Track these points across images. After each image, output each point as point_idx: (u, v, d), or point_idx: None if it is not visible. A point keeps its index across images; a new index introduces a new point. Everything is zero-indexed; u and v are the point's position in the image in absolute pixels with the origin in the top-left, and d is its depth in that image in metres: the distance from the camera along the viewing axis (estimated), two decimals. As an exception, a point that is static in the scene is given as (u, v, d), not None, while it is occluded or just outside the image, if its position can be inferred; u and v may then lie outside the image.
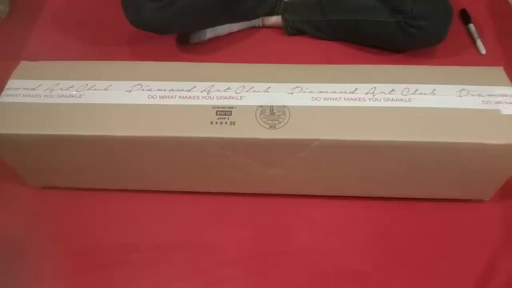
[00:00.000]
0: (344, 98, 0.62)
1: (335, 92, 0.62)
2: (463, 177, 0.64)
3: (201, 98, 0.62)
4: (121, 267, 0.66)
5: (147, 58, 0.69)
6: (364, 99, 0.62)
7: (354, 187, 0.70)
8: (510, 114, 0.59)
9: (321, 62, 0.86)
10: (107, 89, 0.64)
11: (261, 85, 0.64)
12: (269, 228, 0.69)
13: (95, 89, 0.64)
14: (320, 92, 0.63)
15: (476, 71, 0.66)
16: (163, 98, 0.63)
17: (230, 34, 0.99)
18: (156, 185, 0.72)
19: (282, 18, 0.98)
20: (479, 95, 0.62)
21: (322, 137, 0.59)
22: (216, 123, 0.60)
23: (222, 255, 0.67)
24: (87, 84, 0.65)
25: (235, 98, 0.62)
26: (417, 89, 0.62)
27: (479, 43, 0.95)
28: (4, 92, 0.64)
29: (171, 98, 0.63)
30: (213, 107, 0.61)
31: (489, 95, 0.61)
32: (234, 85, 0.64)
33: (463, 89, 0.62)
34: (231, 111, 0.61)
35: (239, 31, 0.99)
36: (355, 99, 0.62)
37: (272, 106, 0.61)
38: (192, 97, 0.63)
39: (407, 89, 0.62)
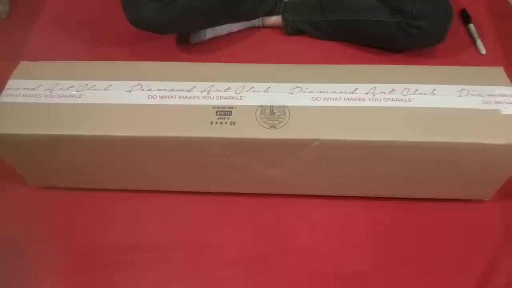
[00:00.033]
0: (344, 98, 0.62)
1: (335, 92, 0.62)
2: (463, 177, 0.64)
3: (201, 98, 0.62)
4: (121, 267, 0.66)
5: (147, 58, 0.69)
6: (364, 99, 0.62)
7: (354, 187, 0.70)
8: (510, 114, 0.59)
9: (321, 62, 0.86)
10: (107, 89, 0.64)
11: (261, 85, 0.64)
12: (269, 228, 0.69)
13: (95, 89, 0.64)
14: (320, 92, 0.63)
15: (476, 71, 0.66)
16: (163, 98, 0.63)
17: (230, 34, 0.99)
18: (156, 185, 0.72)
19: (282, 18, 0.98)
20: (479, 95, 0.62)
21: (322, 137, 0.59)
22: (216, 123, 0.60)
23: (222, 255, 0.67)
24: (87, 84, 0.65)
25: (235, 98, 0.62)
26: (417, 89, 0.62)
27: (479, 43, 0.95)
28: (4, 92, 0.64)
29: (171, 98, 0.63)
30: (213, 107, 0.61)
31: (489, 95, 0.61)
32: (234, 85, 0.64)
33: (463, 89, 0.62)
34: (231, 111, 0.61)
35: (239, 31, 0.99)
36: (355, 99, 0.62)
37: (272, 106, 0.61)
38: (192, 97, 0.63)
39: (407, 89, 0.62)
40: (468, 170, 0.63)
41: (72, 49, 0.98)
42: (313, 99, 0.62)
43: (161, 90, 0.64)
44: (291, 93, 0.63)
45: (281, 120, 0.60)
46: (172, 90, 0.64)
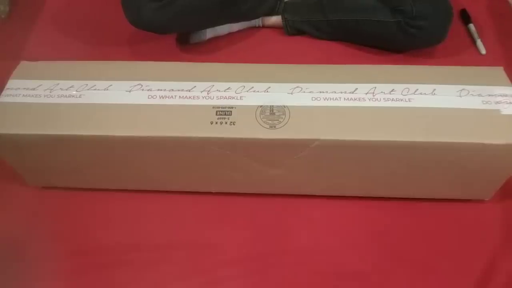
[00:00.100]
0: (344, 98, 0.62)
1: (335, 92, 0.62)
2: (463, 177, 0.64)
3: (201, 98, 0.62)
4: (121, 267, 0.66)
5: (147, 58, 0.69)
6: (364, 99, 0.62)
7: (354, 187, 0.70)
8: (510, 114, 0.59)
9: (321, 62, 0.86)
10: (107, 89, 0.64)
11: (261, 85, 0.64)
12: (269, 228, 0.69)
13: (95, 89, 0.64)
14: (320, 92, 0.63)
15: (476, 71, 0.66)
16: (163, 98, 0.63)
17: (230, 34, 0.99)
18: (156, 185, 0.72)
19: (282, 18, 0.98)
20: (479, 95, 0.62)
21: (322, 137, 0.59)
22: (216, 123, 0.60)
23: (222, 255, 0.67)
24: (87, 84, 0.65)
25: (235, 98, 0.62)
26: (417, 89, 0.62)
27: (479, 43, 0.95)
28: (4, 92, 0.64)
29: (171, 98, 0.63)
30: (213, 107, 0.61)
31: (489, 95, 0.61)
32: (234, 85, 0.64)
33: (463, 89, 0.62)
34: (231, 111, 0.61)
35: (239, 31, 0.99)
36: (355, 99, 0.62)
37: (272, 106, 0.61)
38: (192, 97, 0.63)
39: (407, 89, 0.62)
40: (468, 170, 0.63)
41: (72, 49, 0.98)
42: (313, 99, 0.62)
43: (161, 90, 0.64)
44: (291, 93, 0.63)
45: (281, 120, 0.60)
46: (172, 90, 0.64)
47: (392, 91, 0.62)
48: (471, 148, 0.58)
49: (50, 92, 0.64)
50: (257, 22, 1.00)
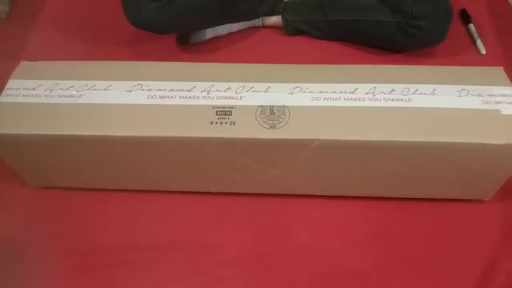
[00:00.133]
0: (344, 98, 0.62)
1: (335, 92, 0.62)
2: (463, 177, 0.64)
3: (201, 98, 0.62)
4: (121, 267, 0.66)
5: (147, 58, 0.69)
6: (364, 99, 0.62)
7: (354, 187, 0.70)
8: (510, 114, 0.59)
9: (321, 62, 0.86)
10: (107, 89, 0.64)
11: (261, 85, 0.64)
12: (269, 228, 0.69)
13: (95, 89, 0.64)
14: (320, 92, 0.63)
15: (476, 71, 0.66)
16: (163, 98, 0.63)
17: (230, 34, 0.99)
18: (156, 185, 0.72)
19: (282, 18, 0.98)
20: (479, 95, 0.62)
21: (322, 137, 0.59)
22: (216, 123, 0.60)
23: (222, 255, 0.67)
24: (87, 84, 0.65)
25: (235, 98, 0.62)
26: (417, 89, 0.62)
27: (479, 43, 0.95)
28: (4, 92, 0.64)
29: (171, 98, 0.63)
30: (213, 107, 0.61)
31: (489, 95, 0.61)
32: (234, 85, 0.64)
33: (463, 89, 0.62)
34: (231, 111, 0.61)
35: (239, 31, 0.99)
36: (355, 99, 0.62)
37: (272, 106, 0.61)
38: (192, 97, 0.63)
39: (407, 89, 0.62)
40: (468, 170, 0.63)
41: (72, 49, 0.98)
42: (313, 99, 0.62)
43: (161, 90, 0.64)
44: (291, 93, 0.63)
45: (281, 120, 0.60)
46: (172, 90, 0.64)
47: (392, 91, 0.62)
48: (471, 148, 0.58)
49: (50, 92, 0.64)
50: (257, 22, 1.00)
